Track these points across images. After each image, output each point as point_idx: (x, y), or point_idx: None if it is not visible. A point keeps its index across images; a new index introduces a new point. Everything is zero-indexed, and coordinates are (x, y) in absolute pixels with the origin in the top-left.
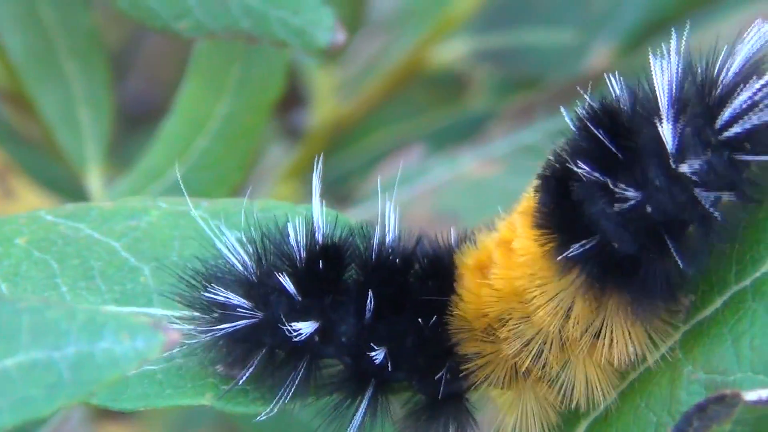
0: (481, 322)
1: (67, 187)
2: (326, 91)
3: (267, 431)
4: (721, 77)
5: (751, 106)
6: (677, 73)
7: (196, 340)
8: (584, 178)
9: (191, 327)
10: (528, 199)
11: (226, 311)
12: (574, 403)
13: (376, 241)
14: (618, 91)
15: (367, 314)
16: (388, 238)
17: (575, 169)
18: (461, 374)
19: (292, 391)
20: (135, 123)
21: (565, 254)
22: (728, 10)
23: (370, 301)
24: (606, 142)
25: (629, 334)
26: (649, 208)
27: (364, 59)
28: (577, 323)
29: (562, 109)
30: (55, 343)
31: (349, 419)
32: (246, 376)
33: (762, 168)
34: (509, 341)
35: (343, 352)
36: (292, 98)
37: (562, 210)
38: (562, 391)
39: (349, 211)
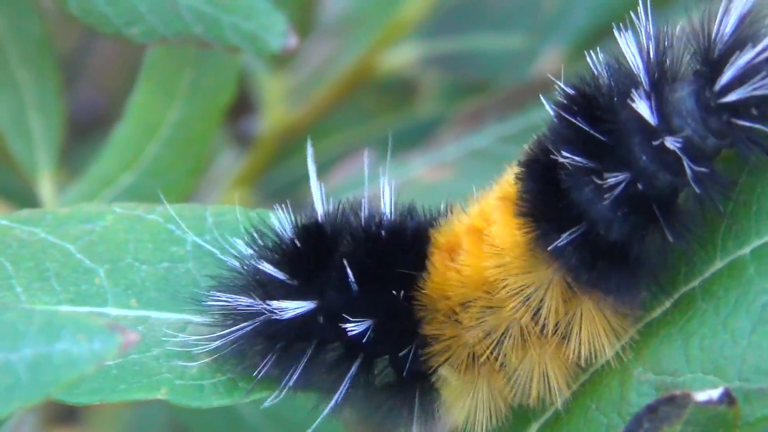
0: (444, 304)
1: (18, 194)
2: (276, 97)
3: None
4: (715, 40)
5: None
6: (652, 43)
7: (208, 347)
8: (569, 166)
9: (203, 336)
10: (508, 185)
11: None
12: (529, 398)
13: (364, 215)
14: (596, 70)
15: (352, 287)
16: (383, 213)
17: (559, 158)
18: (422, 355)
19: (295, 377)
20: (81, 132)
21: (554, 244)
22: (675, 16)
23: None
24: (586, 128)
25: (598, 330)
26: (640, 186)
27: (314, 65)
28: (548, 317)
29: (541, 97)
30: (12, 344)
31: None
32: (265, 371)
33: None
34: (471, 329)
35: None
36: (242, 105)
37: (547, 198)
38: (517, 385)
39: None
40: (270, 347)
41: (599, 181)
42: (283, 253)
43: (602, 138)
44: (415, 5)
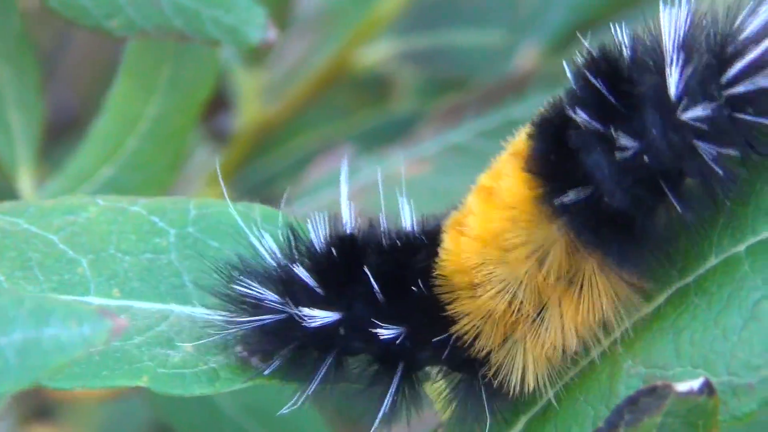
0: (461, 278)
1: None
2: (251, 94)
3: (200, 430)
4: (736, 32)
5: (760, 67)
6: (686, 21)
7: (224, 332)
8: (582, 126)
9: (221, 318)
10: (520, 142)
11: (256, 304)
12: (553, 351)
13: (384, 228)
14: (620, 38)
15: (379, 297)
16: (404, 224)
17: (573, 116)
18: (458, 338)
19: (317, 383)
20: (53, 132)
21: (558, 200)
22: (653, 13)
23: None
24: (604, 91)
25: (600, 293)
26: (646, 158)
27: (290, 62)
28: (552, 269)
29: (564, 62)
30: (1, 329)
31: (378, 406)
32: (271, 369)
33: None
34: (485, 284)
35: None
36: (218, 101)
37: (557, 157)
38: (549, 332)
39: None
40: (289, 345)
41: (609, 147)
42: (316, 261)
43: (618, 104)
44: (392, 1)
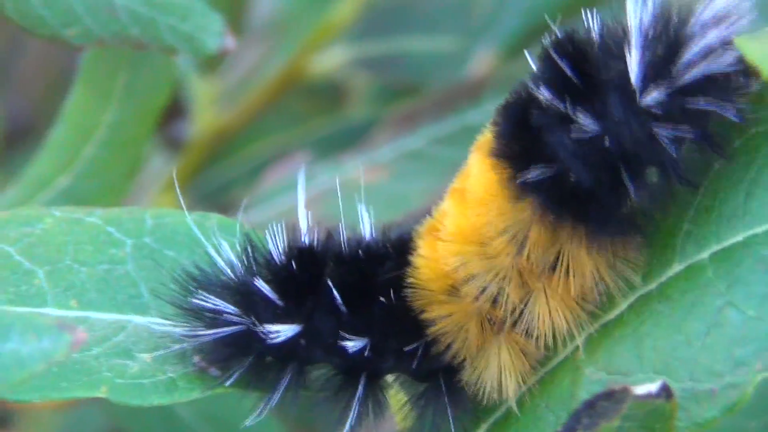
0: (439, 284)
1: None
2: (206, 101)
3: None
4: (692, 20)
5: (707, 53)
6: (652, 9)
7: (182, 345)
8: (544, 106)
9: (179, 330)
10: (485, 135)
11: (214, 317)
12: (542, 340)
13: (344, 238)
14: (588, 24)
15: (341, 308)
16: (363, 234)
17: (536, 93)
18: (432, 341)
19: (279, 396)
20: (10, 138)
21: (522, 177)
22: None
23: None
24: (568, 72)
25: (588, 265)
26: (607, 140)
27: (244, 69)
28: (533, 252)
29: (525, 52)
30: None
31: (341, 416)
32: (232, 381)
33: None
34: (468, 283)
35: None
36: (173, 109)
37: (521, 137)
38: (533, 331)
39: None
40: (249, 356)
41: (571, 126)
42: (275, 273)
43: (581, 85)
44: (345, 8)
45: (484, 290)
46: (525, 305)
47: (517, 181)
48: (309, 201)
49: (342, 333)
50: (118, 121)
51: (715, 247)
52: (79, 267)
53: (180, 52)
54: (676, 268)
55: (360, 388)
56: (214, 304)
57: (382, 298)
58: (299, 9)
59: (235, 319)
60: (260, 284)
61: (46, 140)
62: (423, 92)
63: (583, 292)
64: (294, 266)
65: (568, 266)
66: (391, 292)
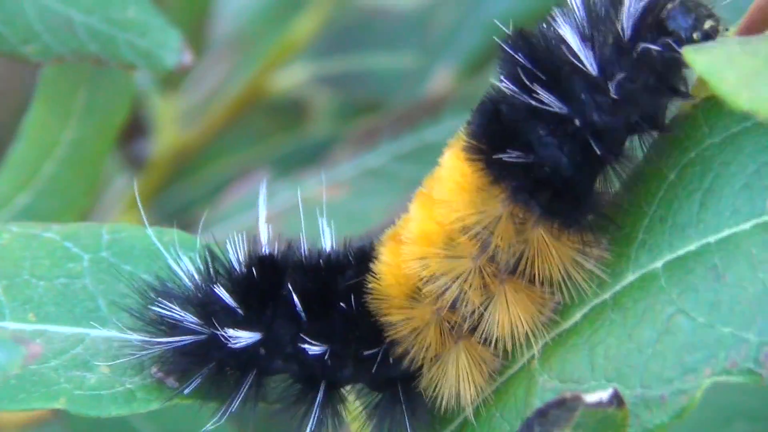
0: (400, 289)
1: None
2: (168, 119)
3: None
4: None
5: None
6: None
7: (142, 353)
8: (511, 97)
9: (139, 339)
10: (457, 137)
11: (174, 325)
12: (500, 345)
13: (305, 249)
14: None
15: (301, 316)
16: (324, 245)
17: (501, 87)
18: (391, 348)
19: (238, 402)
20: None
21: (497, 157)
22: None
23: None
24: (526, 63)
25: (554, 259)
26: (577, 122)
27: (205, 87)
28: (499, 248)
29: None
30: None
31: (300, 425)
32: (191, 389)
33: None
34: (428, 285)
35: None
36: (135, 128)
37: (493, 130)
38: (491, 336)
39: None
40: (207, 366)
41: (541, 113)
42: (235, 282)
43: (544, 76)
44: (306, 26)
45: (444, 292)
46: (485, 309)
47: (493, 176)
48: (270, 218)
49: (302, 339)
50: (78, 138)
51: (669, 256)
52: (37, 281)
53: (138, 68)
54: (630, 277)
55: (319, 395)
56: (174, 313)
57: (342, 305)
58: (260, 27)
59: (195, 327)
60: (220, 292)
61: (6, 159)
62: (384, 109)
63: (542, 297)
64: (254, 275)
65: (533, 263)
66: (352, 299)
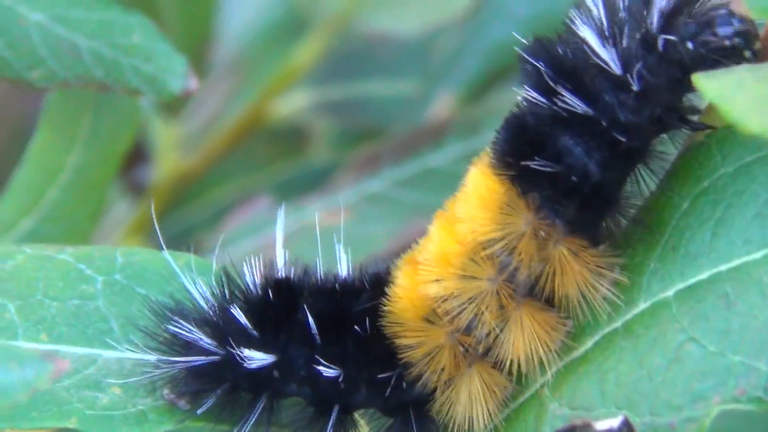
0: (415, 312)
1: None
2: (169, 145)
3: None
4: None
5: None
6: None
7: (157, 372)
8: (536, 107)
9: (153, 358)
10: (481, 155)
11: (189, 345)
12: (514, 369)
13: (320, 273)
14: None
15: (316, 339)
16: (339, 270)
17: (526, 95)
18: (405, 371)
19: (250, 425)
20: None
21: (525, 164)
22: None
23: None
24: (547, 70)
25: (573, 278)
26: (604, 123)
27: (207, 113)
28: (519, 266)
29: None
30: None
31: None
32: (203, 410)
33: None
34: (444, 305)
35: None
36: (136, 154)
37: (520, 142)
38: (504, 360)
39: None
40: (220, 387)
41: (570, 121)
42: (250, 304)
43: (564, 79)
44: (307, 52)
45: (460, 313)
46: (500, 331)
47: (519, 170)
48: (270, 245)
49: (316, 361)
50: (82, 163)
51: (680, 285)
52: (50, 302)
53: (143, 93)
54: (642, 306)
55: (332, 419)
56: (189, 333)
57: (356, 329)
58: (261, 53)
59: (211, 347)
60: (236, 313)
61: (10, 183)
62: (385, 136)
63: (556, 323)
64: (270, 297)
65: (552, 281)
66: (366, 323)
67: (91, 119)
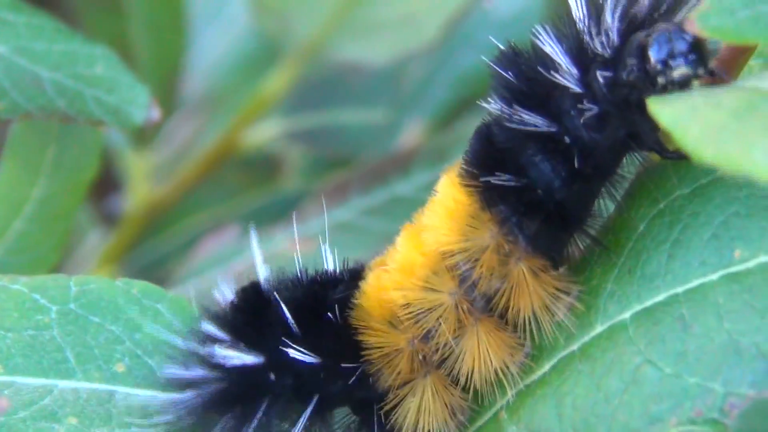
0: (381, 311)
1: None
2: (141, 175)
3: None
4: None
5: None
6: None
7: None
8: (500, 119)
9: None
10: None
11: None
12: (468, 383)
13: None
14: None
15: (293, 329)
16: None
17: (488, 108)
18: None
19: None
20: None
21: (486, 179)
22: None
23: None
24: (513, 79)
25: (528, 298)
26: (566, 139)
27: (178, 142)
28: (480, 279)
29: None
30: None
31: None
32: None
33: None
34: (405, 313)
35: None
36: (108, 184)
37: (486, 154)
38: (458, 373)
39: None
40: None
41: (534, 135)
42: (225, 319)
43: (528, 93)
44: (278, 81)
45: (419, 322)
46: (456, 344)
47: (483, 183)
48: (239, 274)
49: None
50: (48, 195)
51: (637, 307)
52: (5, 333)
53: (106, 124)
54: (598, 328)
55: (309, 408)
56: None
57: (329, 317)
58: (232, 83)
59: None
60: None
61: None
62: (355, 164)
63: (514, 343)
64: (239, 302)
65: (508, 298)
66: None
67: (56, 150)
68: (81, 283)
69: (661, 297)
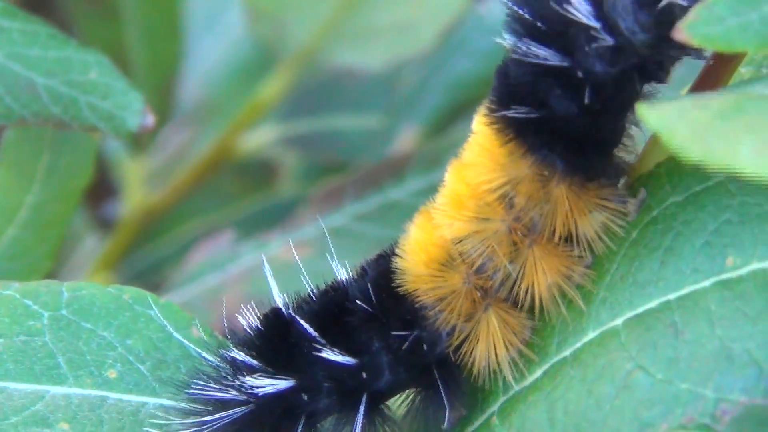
0: (429, 257)
1: None
2: (136, 181)
3: None
4: None
5: None
6: None
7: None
8: (516, 54)
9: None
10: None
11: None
12: (533, 303)
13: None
14: None
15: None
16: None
17: (504, 44)
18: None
19: None
20: None
21: (506, 113)
22: None
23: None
24: (527, 15)
25: (574, 217)
26: (579, 74)
27: (174, 148)
28: (525, 207)
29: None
30: None
31: None
32: None
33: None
34: (458, 247)
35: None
36: (104, 189)
37: (510, 90)
38: (521, 298)
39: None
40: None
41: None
42: (254, 343)
43: (542, 28)
44: (273, 87)
45: (474, 254)
46: (514, 270)
47: (499, 115)
48: (234, 279)
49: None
50: (41, 201)
51: (629, 314)
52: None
53: (100, 130)
54: (591, 334)
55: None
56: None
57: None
58: (228, 89)
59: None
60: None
61: None
62: (350, 169)
63: (572, 258)
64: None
65: (556, 219)
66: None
67: (49, 157)
68: (73, 289)
69: (653, 304)
